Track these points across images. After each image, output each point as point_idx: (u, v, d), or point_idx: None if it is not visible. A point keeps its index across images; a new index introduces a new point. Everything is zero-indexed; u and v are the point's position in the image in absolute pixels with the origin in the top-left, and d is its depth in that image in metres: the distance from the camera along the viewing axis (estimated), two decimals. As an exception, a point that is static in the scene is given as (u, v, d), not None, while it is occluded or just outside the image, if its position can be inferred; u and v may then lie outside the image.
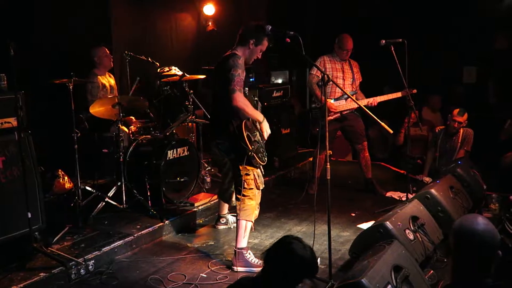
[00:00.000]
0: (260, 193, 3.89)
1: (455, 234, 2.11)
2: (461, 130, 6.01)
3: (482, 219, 2.10)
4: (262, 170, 3.91)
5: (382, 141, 7.71)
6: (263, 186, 3.90)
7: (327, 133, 3.53)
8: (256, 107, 4.13)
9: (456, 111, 5.96)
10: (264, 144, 3.93)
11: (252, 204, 3.81)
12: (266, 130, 3.88)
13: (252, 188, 3.80)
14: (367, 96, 5.48)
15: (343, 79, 5.46)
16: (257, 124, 3.88)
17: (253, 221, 3.86)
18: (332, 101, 5.40)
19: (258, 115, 3.82)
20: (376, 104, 5.33)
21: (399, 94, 5.28)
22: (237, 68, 3.66)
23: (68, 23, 5.36)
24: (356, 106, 5.39)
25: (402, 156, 6.73)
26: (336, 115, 5.45)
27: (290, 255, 2.23)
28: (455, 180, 4.76)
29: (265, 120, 3.87)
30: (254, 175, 3.80)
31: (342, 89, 4.64)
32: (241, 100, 3.66)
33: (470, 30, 7.26)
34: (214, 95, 3.94)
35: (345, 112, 5.46)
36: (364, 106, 5.20)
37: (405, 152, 5.69)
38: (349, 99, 5.32)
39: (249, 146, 3.64)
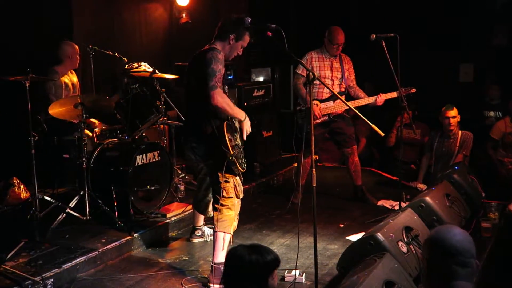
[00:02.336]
0: (240, 202, 3.90)
1: (428, 247, 2.22)
2: (459, 133, 6.11)
3: (457, 231, 2.21)
4: (242, 178, 3.91)
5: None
6: (243, 195, 3.91)
7: (313, 137, 3.54)
8: None
9: (443, 108, 6.07)
10: (243, 149, 3.93)
11: (231, 214, 3.81)
12: (247, 129, 3.87)
13: (231, 197, 3.81)
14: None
15: (332, 79, 5.49)
16: (237, 125, 3.88)
17: (232, 234, 3.85)
18: (319, 102, 5.43)
19: (240, 113, 3.82)
20: (383, 102, 5.36)
21: (394, 94, 5.32)
22: (218, 63, 3.66)
23: (22, 12, 5.29)
24: (345, 108, 5.44)
25: (394, 160, 6.81)
26: (324, 118, 5.48)
27: (240, 268, 2.31)
28: (452, 187, 4.83)
29: (247, 118, 3.87)
30: (234, 182, 3.81)
31: (331, 89, 4.66)
32: (222, 98, 3.65)
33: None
34: (188, 93, 3.92)
35: (333, 114, 5.50)
36: (371, 104, 5.27)
37: (397, 156, 5.75)
38: (338, 100, 5.36)
39: (231, 150, 3.65)
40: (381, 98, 5.34)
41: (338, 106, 5.44)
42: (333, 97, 5.42)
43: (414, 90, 5.25)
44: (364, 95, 5.50)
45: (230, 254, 2.38)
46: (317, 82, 5.32)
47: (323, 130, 5.57)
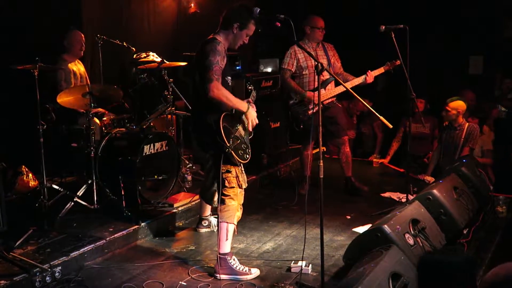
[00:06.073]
0: (243, 192, 3.89)
1: None
2: (466, 125, 6.06)
3: None
4: (242, 168, 3.89)
5: (374, 138, 7.78)
6: (246, 185, 3.90)
7: (321, 128, 3.53)
8: (249, 96, 4.14)
9: (448, 100, 6.04)
10: (248, 139, 3.92)
11: (233, 204, 3.81)
12: (252, 120, 3.85)
13: (233, 187, 3.80)
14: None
15: None
16: (242, 116, 3.86)
17: (236, 224, 3.85)
18: (312, 92, 5.39)
19: (241, 105, 3.79)
20: (373, 79, 5.31)
21: (382, 70, 5.31)
22: (216, 55, 3.64)
23: (33, 2, 5.30)
24: (337, 93, 5.41)
25: (405, 155, 6.78)
26: (317, 108, 5.42)
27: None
28: (460, 180, 4.80)
29: (250, 108, 3.84)
30: (236, 172, 3.80)
31: (336, 77, 4.60)
32: (218, 91, 3.63)
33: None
34: (194, 85, 3.92)
35: (327, 102, 5.46)
36: (361, 83, 5.26)
37: (406, 150, 5.69)
38: (328, 87, 5.36)
39: (226, 142, 3.63)
40: (370, 75, 5.30)
41: (330, 93, 5.41)
42: (322, 85, 5.37)
43: (398, 62, 5.18)
44: (353, 78, 5.43)
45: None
46: (305, 72, 5.45)
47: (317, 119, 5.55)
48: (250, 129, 3.90)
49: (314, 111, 5.39)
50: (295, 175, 5.68)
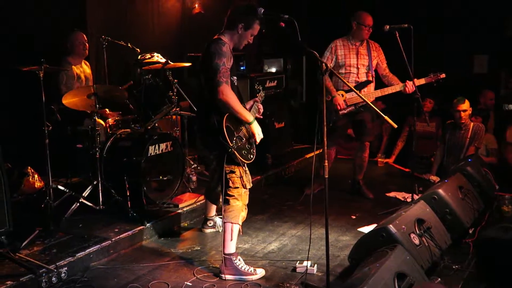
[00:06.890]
0: (248, 192, 3.89)
1: None
2: (471, 125, 6.05)
3: None
4: (246, 168, 3.89)
5: (379, 138, 7.76)
6: (251, 185, 3.90)
7: (325, 128, 3.53)
8: (255, 95, 4.15)
9: (455, 101, 6.00)
10: (252, 138, 3.92)
11: (238, 204, 3.81)
12: (258, 133, 3.82)
13: (237, 187, 3.80)
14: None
15: (357, 67, 5.39)
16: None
17: (241, 224, 3.86)
18: (344, 93, 5.36)
19: (247, 115, 3.76)
20: (414, 89, 5.17)
21: (422, 81, 5.23)
22: (221, 56, 3.64)
23: (37, 4, 5.32)
24: (373, 97, 5.35)
25: (410, 154, 6.77)
26: (350, 108, 5.39)
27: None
28: (465, 179, 4.80)
29: (255, 122, 3.81)
30: (240, 172, 3.80)
31: (345, 81, 4.58)
32: (228, 95, 3.62)
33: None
34: (200, 86, 3.93)
35: (360, 104, 5.37)
36: (402, 90, 5.20)
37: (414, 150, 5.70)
38: (365, 89, 5.30)
39: (229, 142, 3.63)
40: (410, 85, 5.18)
41: (365, 96, 5.35)
42: (359, 86, 5.29)
43: (443, 75, 5.13)
44: (397, 83, 5.34)
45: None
46: (343, 71, 5.36)
47: (346, 121, 5.51)
48: (258, 141, 3.87)
49: (346, 112, 5.37)
50: (315, 173, 5.62)
